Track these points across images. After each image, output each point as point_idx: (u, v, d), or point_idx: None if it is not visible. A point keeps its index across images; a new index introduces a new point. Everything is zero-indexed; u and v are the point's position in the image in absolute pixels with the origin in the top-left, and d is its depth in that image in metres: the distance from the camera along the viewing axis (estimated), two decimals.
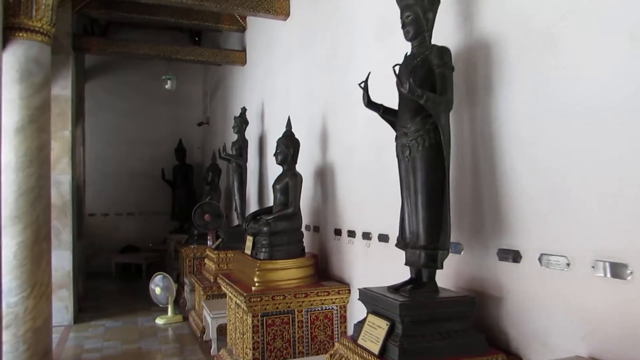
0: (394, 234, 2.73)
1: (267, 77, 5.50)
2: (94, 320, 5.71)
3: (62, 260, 5.40)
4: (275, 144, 3.76)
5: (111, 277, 8.79)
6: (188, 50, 6.01)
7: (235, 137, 5.51)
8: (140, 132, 9.77)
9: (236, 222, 6.55)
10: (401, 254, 2.19)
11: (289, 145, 3.69)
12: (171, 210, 9.53)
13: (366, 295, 2.15)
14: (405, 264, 2.13)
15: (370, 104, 2.24)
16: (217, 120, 8.47)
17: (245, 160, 5.39)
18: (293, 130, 3.77)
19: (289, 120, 3.83)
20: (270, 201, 5.24)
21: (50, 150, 3.95)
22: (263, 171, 5.58)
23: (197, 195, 9.54)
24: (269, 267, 3.35)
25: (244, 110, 5.49)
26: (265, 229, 3.44)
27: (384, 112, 2.25)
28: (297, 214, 3.59)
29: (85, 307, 6.36)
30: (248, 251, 3.61)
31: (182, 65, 9.85)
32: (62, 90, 5.50)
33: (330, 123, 3.80)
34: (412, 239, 2.08)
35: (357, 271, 3.33)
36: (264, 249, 3.42)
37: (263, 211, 3.85)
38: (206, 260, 5.42)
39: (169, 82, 6.48)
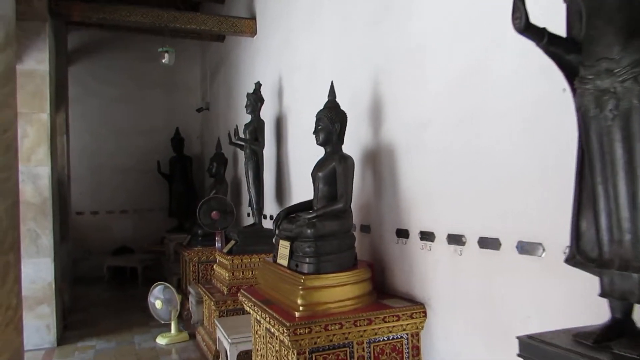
0: (512, 237, 1.85)
1: (285, 47, 4.59)
2: (82, 340, 4.79)
3: (41, 270, 4.48)
4: (315, 119, 2.86)
5: (103, 282, 7.86)
6: (188, 17, 5.06)
7: (247, 118, 4.59)
8: (132, 121, 8.81)
9: (249, 220, 5.65)
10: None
11: (333, 120, 2.79)
12: (168, 206, 8.60)
13: (541, 354, 1.25)
14: (603, 294, 1.25)
15: (528, 26, 1.33)
16: (220, 105, 7.53)
17: (262, 146, 4.48)
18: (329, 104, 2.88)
19: (332, 87, 2.92)
20: (292, 196, 4.37)
21: (17, 132, 3.02)
22: (282, 160, 4.67)
23: (196, 190, 8.62)
24: (316, 284, 2.45)
25: (258, 85, 4.57)
26: (308, 231, 2.53)
27: (550, 42, 1.34)
28: (348, 210, 2.69)
29: (72, 323, 5.44)
30: (283, 261, 2.71)
31: (179, 46, 8.87)
32: (38, 64, 4.55)
33: (384, 92, 2.90)
34: (621, 252, 1.19)
35: (437, 287, 2.45)
36: (308, 259, 2.52)
37: (298, 207, 2.95)
38: (216, 267, 4.51)
39: (166, 55, 5.52)
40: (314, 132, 2.85)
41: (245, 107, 4.57)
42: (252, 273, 4.15)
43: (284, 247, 2.73)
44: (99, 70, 8.66)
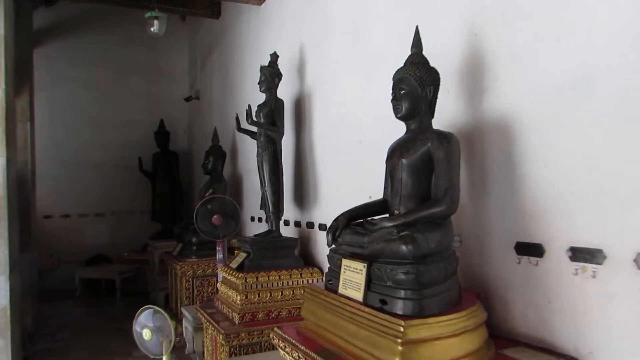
0: None
1: (308, 11, 3.67)
2: None
3: None
4: (394, 82, 1.95)
5: (74, 297, 6.77)
6: None
7: (246, 105, 3.62)
8: (109, 111, 7.74)
9: (254, 226, 4.70)
10: None
11: (424, 81, 1.88)
12: (151, 209, 7.56)
13: None
14: None
15: None
16: (213, 93, 6.55)
17: (282, 132, 3.53)
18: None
19: (417, 35, 2.00)
20: (320, 199, 3.44)
21: None
22: (303, 151, 3.74)
23: (183, 190, 7.60)
24: (425, 334, 1.52)
25: (274, 57, 3.63)
26: (403, 247, 1.61)
27: None
28: (449, 216, 1.78)
29: (35, 354, 4.39)
30: (354, 293, 1.78)
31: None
32: None
33: (492, 44, 2.01)
34: None
35: (610, 336, 1.55)
36: (404, 292, 1.59)
37: (363, 211, 2.03)
38: (221, 287, 3.54)
39: (155, 22, 4.54)
40: (394, 100, 1.94)
41: (259, 84, 3.63)
42: (270, 295, 3.20)
43: (354, 271, 1.80)
44: (72, 53, 7.57)
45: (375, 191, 2.77)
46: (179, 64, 8.21)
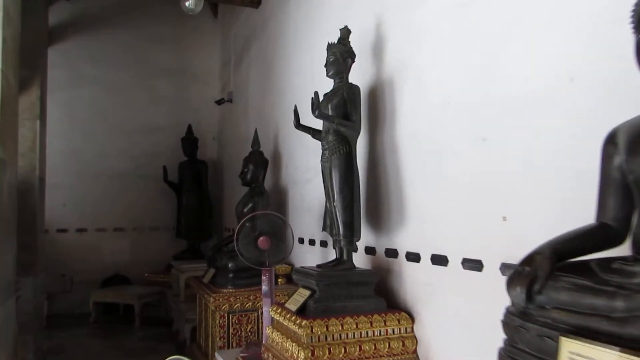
0: None
1: None
2: None
3: None
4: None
5: (88, 324, 5.96)
6: None
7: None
8: (131, 116, 7.02)
9: (312, 251, 3.81)
10: None
11: None
12: (176, 224, 6.76)
13: None
14: None
15: None
16: (250, 93, 5.75)
17: (357, 129, 2.66)
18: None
19: None
20: (407, 220, 2.52)
21: None
22: (380, 155, 2.86)
23: (212, 204, 6.78)
24: None
25: (346, 33, 2.78)
26: None
27: None
28: None
29: None
30: None
31: (193, 28, 7.18)
32: None
33: None
34: None
35: None
36: None
37: (578, 243, 1.13)
38: (273, 333, 2.65)
39: None
40: None
41: (326, 66, 2.78)
42: (344, 351, 2.31)
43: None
44: (92, 51, 6.89)
45: (510, 210, 1.87)
46: (210, 66, 7.47)
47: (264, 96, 5.16)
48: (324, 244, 3.58)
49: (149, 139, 7.04)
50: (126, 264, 6.73)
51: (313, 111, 2.59)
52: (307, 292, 2.51)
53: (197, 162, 6.75)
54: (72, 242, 6.57)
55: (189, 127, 6.79)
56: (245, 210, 4.14)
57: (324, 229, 2.86)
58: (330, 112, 2.65)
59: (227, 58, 6.90)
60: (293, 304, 2.56)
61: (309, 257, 3.76)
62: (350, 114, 2.63)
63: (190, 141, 6.71)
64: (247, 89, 5.85)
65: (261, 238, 3.13)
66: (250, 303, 3.67)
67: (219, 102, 6.47)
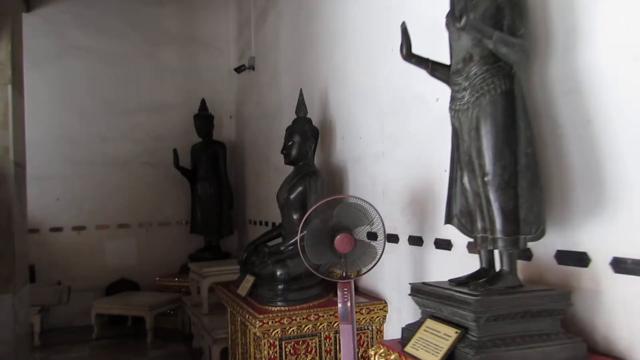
0: None
1: None
2: None
3: None
4: None
5: (90, 340, 4.94)
6: None
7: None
8: (134, 92, 5.94)
9: (401, 252, 2.75)
10: None
11: None
12: (190, 218, 5.71)
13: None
14: None
15: None
16: (280, 54, 4.65)
17: (527, 48, 1.58)
18: None
19: None
20: (614, 195, 1.47)
21: None
22: (542, 96, 1.78)
23: (232, 192, 5.74)
24: None
25: None
26: None
27: None
28: None
29: None
30: None
31: None
32: None
33: None
34: None
35: None
36: None
37: None
38: None
39: None
40: None
41: None
42: None
43: None
44: (81, 17, 5.79)
45: None
46: (223, 30, 6.37)
47: (301, 54, 4.08)
48: (415, 241, 2.53)
49: (154, 119, 5.98)
50: (133, 267, 5.70)
51: (457, 20, 1.51)
52: (452, 332, 1.46)
53: (214, 143, 5.70)
54: (68, 242, 5.53)
55: (202, 102, 5.72)
56: (292, 197, 3.08)
57: (448, 221, 1.80)
58: (476, 23, 1.56)
59: (245, 17, 5.79)
60: (423, 348, 1.51)
61: (389, 259, 2.70)
62: (514, 25, 1.55)
63: (204, 118, 5.65)
64: (275, 50, 4.75)
65: (339, 237, 2.07)
66: (310, 325, 2.63)
67: (239, 70, 5.37)
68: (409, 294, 1.73)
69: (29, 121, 3.63)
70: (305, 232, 2.11)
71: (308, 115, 3.31)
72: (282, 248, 3.00)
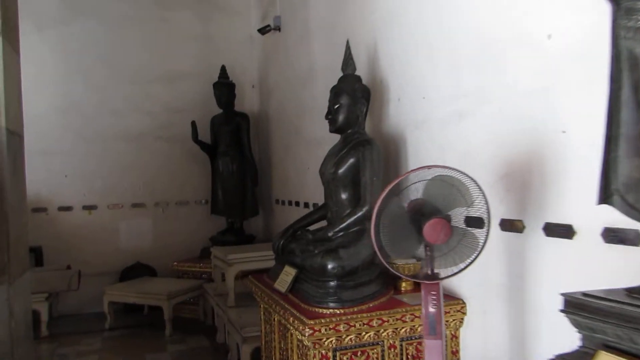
0: None
1: None
2: None
3: None
4: None
5: (103, 331, 4.50)
6: None
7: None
8: (147, 59, 5.38)
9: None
10: None
11: None
12: (211, 197, 5.20)
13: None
14: None
15: None
16: (311, 9, 4.03)
17: None
18: None
19: None
20: None
21: None
22: None
23: (256, 169, 5.21)
24: None
25: None
26: None
27: None
28: None
29: None
30: None
31: None
32: None
33: None
34: None
35: None
36: None
37: None
38: None
39: None
40: None
41: None
42: None
43: None
44: None
45: None
46: None
47: (339, 8, 3.46)
48: (510, 226, 1.96)
49: (170, 90, 5.42)
50: (149, 250, 5.22)
51: None
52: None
53: (236, 114, 5.13)
54: (78, 223, 5.06)
55: (223, 68, 5.14)
56: (340, 171, 2.52)
57: (604, 199, 1.22)
58: None
59: None
60: None
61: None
62: None
63: (225, 87, 5.08)
64: (305, 6, 4.13)
65: (431, 222, 1.50)
66: (372, 333, 2.09)
67: (263, 31, 4.77)
68: (562, 310, 1.17)
69: (31, 90, 3.14)
70: (380, 216, 1.55)
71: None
72: (329, 234, 2.44)
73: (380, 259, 1.56)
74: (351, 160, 2.50)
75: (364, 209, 2.41)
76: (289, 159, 4.68)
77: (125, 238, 5.18)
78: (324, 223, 2.81)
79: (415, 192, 1.56)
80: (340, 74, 2.71)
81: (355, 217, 2.42)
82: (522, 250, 1.91)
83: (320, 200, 3.99)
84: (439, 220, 1.50)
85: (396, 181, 1.56)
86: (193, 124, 4.94)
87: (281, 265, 2.71)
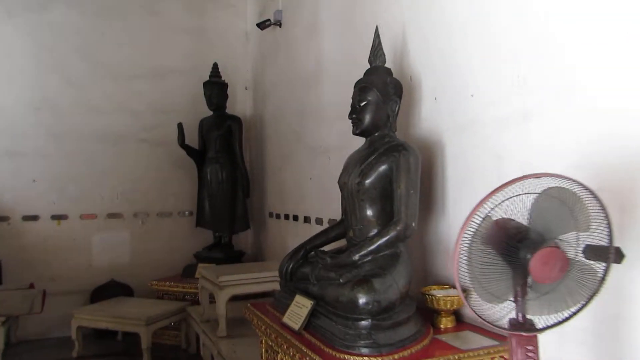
0: None
1: None
2: None
3: None
4: None
5: (70, 357, 3.91)
6: None
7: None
8: (131, 55, 4.87)
9: None
10: None
11: None
12: (196, 208, 4.68)
13: None
14: None
15: None
16: (322, 3, 3.60)
17: None
18: None
19: None
20: None
21: None
22: None
23: (248, 178, 4.74)
24: None
25: None
26: None
27: None
28: None
29: None
30: None
31: None
32: None
33: None
34: None
35: None
36: None
37: None
38: None
39: None
40: None
41: None
42: None
43: None
44: None
45: None
46: None
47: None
48: (601, 254, 1.52)
49: (155, 88, 4.92)
50: (125, 267, 4.67)
51: None
52: None
53: (227, 117, 4.65)
54: (45, 234, 4.48)
55: (215, 66, 4.68)
56: (368, 181, 2.06)
57: None
58: None
59: None
60: None
61: None
62: None
63: (216, 86, 4.60)
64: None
65: (542, 252, 1.05)
66: None
67: (262, 25, 4.32)
68: None
69: None
70: (468, 241, 1.09)
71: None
72: (354, 258, 1.98)
73: (469, 307, 1.10)
74: (382, 169, 2.05)
75: (398, 228, 1.96)
76: (287, 168, 4.21)
77: (98, 253, 4.62)
78: (339, 242, 2.36)
79: (512, 209, 1.12)
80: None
81: (388, 237, 1.97)
82: (619, 286, 1.48)
83: (324, 214, 3.55)
84: (552, 251, 1.06)
85: (492, 195, 1.11)
86: (179, 126, 4.44)
87: (289, 294, 2.24)
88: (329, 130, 3.41)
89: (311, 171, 3.72)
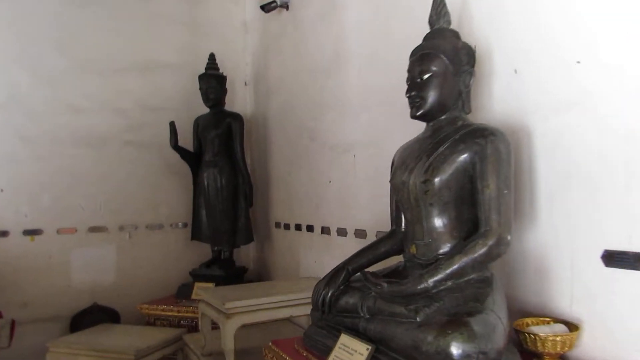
0: None
1: None
2: None
3: None
4: None
5: None
6: None
7: None
8: (118, 46, 4.28)
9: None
10: None
11: None
12: (192, 219, 4.11)
13: None
14: None
15: None
16: None
17: None
18: None
19: None
20: None
21: None
22: None
23: (250, 184, 4.17)
24: None
25: None
26: None
27: None
28: None
29: None
30: None
31: None
32: None
33: None
34: None
35: None
36: None
37: None
38: None
39: None
40: None
41: None
42: None
43: None
44: None
45: None
46: None
47: None
48: None
49: (144, 83, 4.34)
50: (110, 288, 4.05)
51: None
52: None
53: (226, 115, 4.09)
54: (16, 252, 3.85)
55: (211, 57, 4.13)
56: (439, 179, 1.54)
57: None
58: None
59: None
60: None
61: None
62: None
63: (214, 79, 4.05)
64: None
65: None
66: None
67: (267, 8, 3.78)
68: None
69: None
70: None
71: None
72: (427, 284, 1.42)
73: None
74: (460, 161, 1.52)
75: (490, 243, 1.43)
76: (299, 171, 3.66)
77: (79, 272, 3.99)
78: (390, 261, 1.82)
79: None
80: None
81: (475, 256, 1.42)
82: None
83: (347, 224, 2.98)
84: None
85: None
86: (172, 125, 3.86)
87: (328, 331, 1.68)
88: (353, 124, 2.86)
89: (330, 173, 3.17)
